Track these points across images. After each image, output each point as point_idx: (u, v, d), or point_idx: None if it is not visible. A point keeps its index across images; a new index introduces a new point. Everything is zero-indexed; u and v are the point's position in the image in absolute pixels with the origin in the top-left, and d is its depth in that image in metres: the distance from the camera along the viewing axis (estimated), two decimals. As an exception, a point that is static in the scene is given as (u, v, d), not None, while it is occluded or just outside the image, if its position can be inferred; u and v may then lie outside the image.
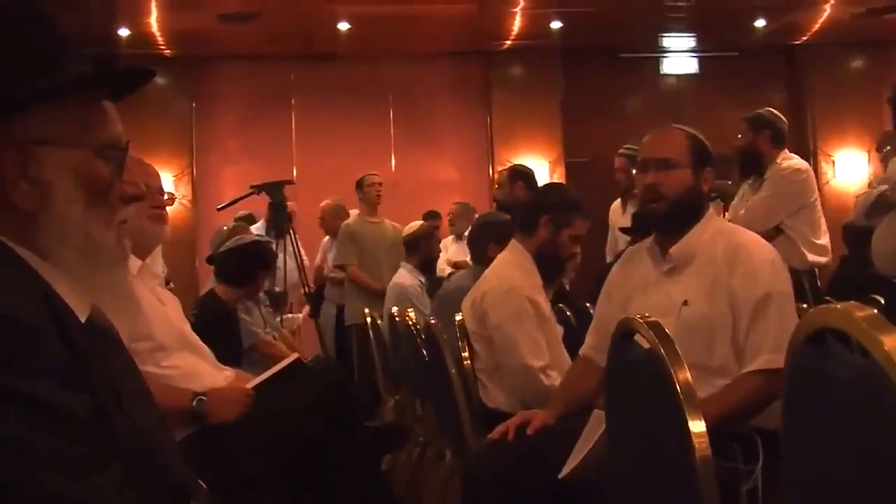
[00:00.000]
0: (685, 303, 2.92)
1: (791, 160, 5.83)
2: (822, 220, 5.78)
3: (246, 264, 5.18)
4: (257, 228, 8.18)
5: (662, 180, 3.03)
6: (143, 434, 1.51)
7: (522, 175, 6.64)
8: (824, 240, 5.74)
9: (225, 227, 7.58)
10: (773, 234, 5.52)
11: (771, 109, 6.03)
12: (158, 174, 3.53)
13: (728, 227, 3.17)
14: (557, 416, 3.26)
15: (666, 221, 3.06)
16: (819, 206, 5.82)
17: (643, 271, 3.13)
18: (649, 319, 2.08)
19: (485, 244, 4.93)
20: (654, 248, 3.10)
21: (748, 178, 5.88)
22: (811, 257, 5.66)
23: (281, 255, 7.41)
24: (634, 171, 3.17)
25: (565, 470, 2.84)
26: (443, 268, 8.10)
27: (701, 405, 2.55)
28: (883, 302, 4.33)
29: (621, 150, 6.96)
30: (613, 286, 3.29)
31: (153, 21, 10.90)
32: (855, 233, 6.63)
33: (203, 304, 5.16)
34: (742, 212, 5.73)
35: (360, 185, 8.41)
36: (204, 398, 3.07)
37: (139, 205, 3.23)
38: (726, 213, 6.94)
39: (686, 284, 2.96)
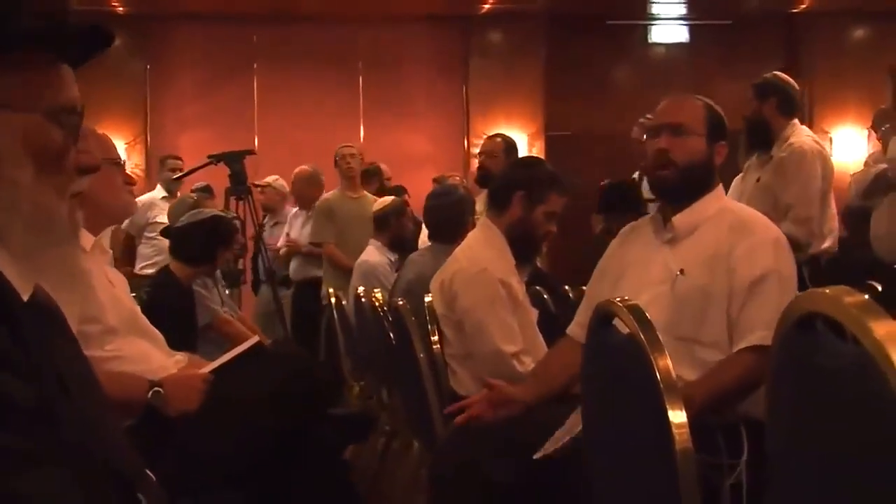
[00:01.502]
0: (681, 272, 2.95)
1: (798, 137, 5.58)
2: (832, 205, 5.57)
3: (205, 241, 5.14)
4: None
5: (674, 146, 3.07)
6: (89, 423, 1.51)
7: (514, 149, 6.65)
8: (830, 225, 5.54)
9: (188, 198, 7.56)
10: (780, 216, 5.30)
11: (779, 74, 5.85)
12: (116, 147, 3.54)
13: (735, 205, 3.22)
14: (529, 396, 3.29)
15: (674, 189, 3.10)
16: (830, 190, 5.58)
17: (643, 243, 3.17)
18: (629, 302, 2.10)
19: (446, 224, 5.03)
20: (658, 218, 3.15)
21: (756, 151, 5.69)
22: (814, 248, 5.47)
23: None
24: (645, 137, 3.21)
25: (541, 452, 2.87)
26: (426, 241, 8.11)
27: (691, 386, 2.60)
28: (880, 288, 4.39)
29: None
30: (609, 262, 3.32)
31: (105, -24, 10.85)
32: (853, 214, 6.63)
33: (157, 282, 5.14)
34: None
35: (336, 157, 8.38)
36: (160, 390, 3.05)
37: (114, 174, 3.26)
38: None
39: (685, 254, 3.00)
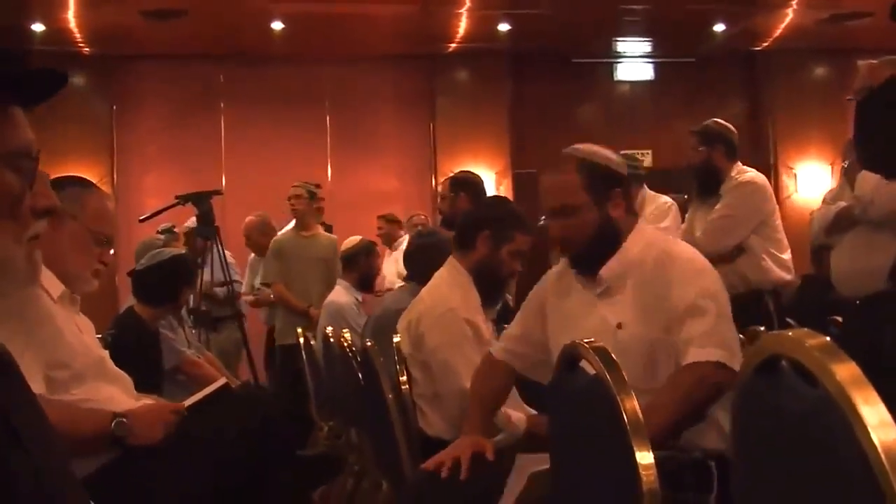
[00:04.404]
0: (619, 325, 2.95)
1: (746, 173, 5.84)
2: (783, 236, 5.80)
3: (166, 282, 5.15)
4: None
5: (566, 229, 3.08)
6: (43, 474, 1.48)
7: (465, 185, 6.49)
8: (787, 255, 5.74)
9: (156, 241, 7.54)
10: (734, 253, 5.60)
11: (718, 120, 6.03)
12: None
13: (656, 238, 3.18)
14: (486, 434, 3.31)
15: (587, 262, 3.10)
16: (779, 221, 5.84)
17: (576, 294, 3.16)
18: (595, 344, 2.10)
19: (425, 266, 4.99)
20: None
21: (708, 196, 5.82)
22: (775, 275, 5.67)
23: (207, 271, 7.39)
24: (545, 218, 3.19)
25: None
26: (393, 282, 8.11)
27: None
28: (841, 320, 4.43)
29: None
30: (548, 304, 3.29)
31: (70, 16, 10.80)
32: (820, 251, 6.68)
33: (122, 323, 5.12)
34: (698, 234, 5.72)
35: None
36: (124, 419, 3.04)
37: (89, 253, 3.25)
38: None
39: (620, 306, 3.00)
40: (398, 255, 8.38)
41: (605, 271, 3.04)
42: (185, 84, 12.53)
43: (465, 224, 4.10)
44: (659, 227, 6.31)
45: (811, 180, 12.92)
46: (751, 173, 5.88)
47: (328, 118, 12.83)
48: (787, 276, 5.75)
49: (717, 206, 5.71)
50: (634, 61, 13.63)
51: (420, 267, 5.17)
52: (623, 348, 2.86)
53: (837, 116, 11.57)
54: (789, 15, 11.79)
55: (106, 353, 3.38)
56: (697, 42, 12.67)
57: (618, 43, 13.22)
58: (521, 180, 12.64)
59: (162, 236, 8.31)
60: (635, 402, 1.95)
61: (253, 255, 8.95)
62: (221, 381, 3.70)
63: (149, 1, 10.53)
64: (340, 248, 7.34)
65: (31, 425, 1.51)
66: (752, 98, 13.41)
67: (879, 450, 1.21)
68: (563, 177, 3.11)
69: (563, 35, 12.15)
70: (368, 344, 4.05)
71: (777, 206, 5.96)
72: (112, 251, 3.43)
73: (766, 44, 12.94)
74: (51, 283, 3.06)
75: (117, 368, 3.36)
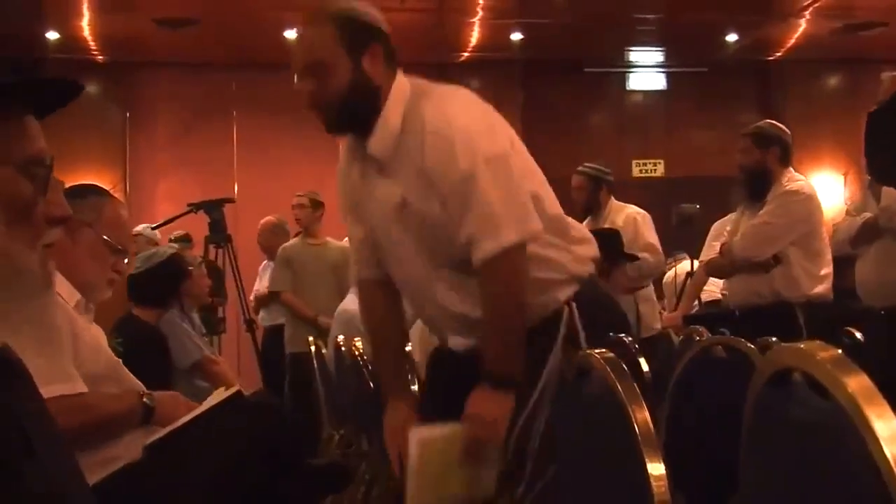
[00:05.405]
0: (404, 202, 2.78)
1: (797, 181, 5.64)
2: (826, 250, 5.58)
3: (165, 282, 5.18)
4: None
5: (321, 88, 2.83)
6: (54, 484, 1.48)
7: None
8: (826, 271, 5.54)
9: (170, 248, 7.56)
10: (772, 263, 5.44)
11: (774, 122, 5.88)
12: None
13: (420, 106, 2.88)
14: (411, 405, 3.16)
15: (342, 126, 2.91)
16: (823, 234, 5.62)
17: (361, 171, 2.95)
18: (606, 355, 2.10)
19: None
20: (355, 144, 2.93)
21: (758, 200, 5.59)
22: (809, 289, 5.46)
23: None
24: (296, 78, 2.88)
25: None
26: None
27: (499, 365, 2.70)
28: (859, 335, 4.41)
29: (580, 168, 6.92)
30: (344, 195, 3.10)
31: (84, 24, 10.86)
32: (842, 263, 6.64)
33: (126, 329, 5.09)
34: (737, 238, 5.58)
35: None
36: (151, 396, 3.06)
37: (104, 262, 3.26)
38: (694, 263, 6.97)
39: (401, 180, 2.80)
40: None
41: (371, 146, 2.82)
42: (197, 92, 12.55)
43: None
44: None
45: (824, 190, 12.85)
46: (801, 182, 5.68)
47: (341, 127, 12.81)
48: (819, 291, 5.51)
49: (760, 213, 5.52)
50: (647, 71, 13.62)
51: None
52: (415, 225, 2.79)
53: (850, 126, 11.53)
54: (802, 25, 11.78)
55: (118, 360, 3.39)
56: (710, 52, 12.67)
57: (630, 52, 13.23)
58: (532, 189, 12.62)
59: (175, 244, 8.32)
60: (646, 412, 1.95)
61: (266, 260, 8.95)
62: (234, 388, 3.70)
63: (162, 9, 10.58)
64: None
65: (44, 433, 1.51)
66: (764, 108, 13.35)
67: (891, 462, 1.21)
68: (317, 29, 2.84)
69: (576, 44, 12.15)
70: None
71: (822, 219, 5.72)
72: (126, 260, 3.43)
73: (779, 54, 12.93)
74: (66, 291, 3.08)
75: (130, 374, 3.38)
